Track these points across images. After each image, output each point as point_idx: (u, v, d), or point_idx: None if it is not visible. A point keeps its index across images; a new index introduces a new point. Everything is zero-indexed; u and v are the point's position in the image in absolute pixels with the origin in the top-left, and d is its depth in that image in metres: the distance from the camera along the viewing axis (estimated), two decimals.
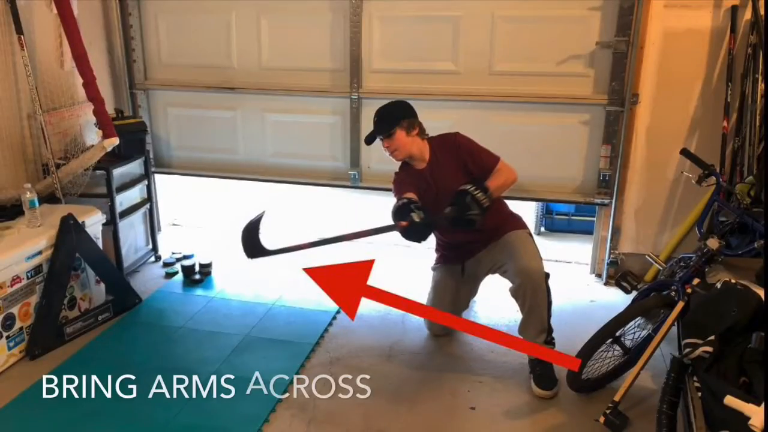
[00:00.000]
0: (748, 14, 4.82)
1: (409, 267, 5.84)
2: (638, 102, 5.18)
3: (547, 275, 4.22)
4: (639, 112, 5.21)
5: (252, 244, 4.08)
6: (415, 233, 4.00)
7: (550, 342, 4.25)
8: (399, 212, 4.00)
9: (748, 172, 4.74)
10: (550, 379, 4.11)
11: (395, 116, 4.34)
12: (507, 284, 4.35)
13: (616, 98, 5.25)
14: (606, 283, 5.66)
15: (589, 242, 6.06)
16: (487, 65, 5.48)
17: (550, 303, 4.22)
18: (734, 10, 4.83)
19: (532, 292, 4.14)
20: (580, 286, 5.65)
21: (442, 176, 4.38)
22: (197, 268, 5.77)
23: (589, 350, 3.88)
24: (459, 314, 4.81)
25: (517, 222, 4.53)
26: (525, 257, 4.20)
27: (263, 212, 4.15)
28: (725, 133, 4.94)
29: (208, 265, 5.83)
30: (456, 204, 3.96)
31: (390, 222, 4.01)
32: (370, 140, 4.46)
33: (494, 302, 5.17)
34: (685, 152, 4.59)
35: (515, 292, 4.25)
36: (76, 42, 5.15)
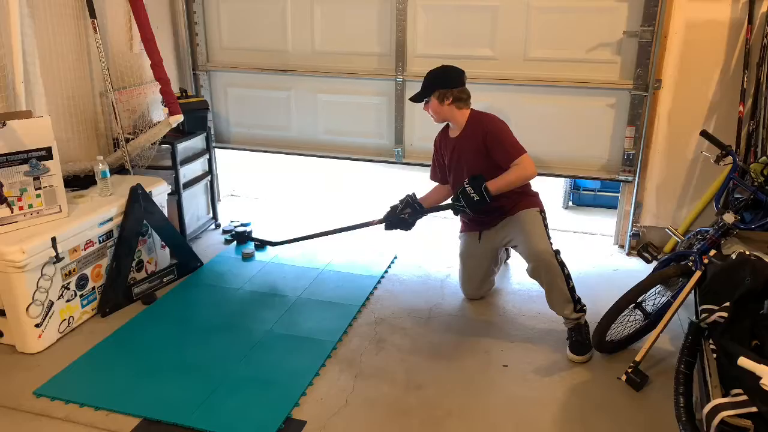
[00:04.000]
0: (764, 7, 4.79)
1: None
2: (661, 87, 5.17)
3: (557, 252, 4.18)
4: (661, 96, 5.21)
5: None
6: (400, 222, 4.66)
7: (580, 310, 4.20)
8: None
9: (762, 152, 4.74)
10: (584, 345, 4.11)
11: (432, 85, 4.44)
12: None
13: (641, 83, 5.24)
14: (628, 254, 5.66)
15: (613, 216, 6.07)
16: (522, 52, 5.48)
17: (567, 275, 4.16)
18: (751, 2, 4.79)
19: (546, 272, 4.15)
20: (604, 256, 5.64)
21: (464, 151, 4.46)
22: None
23: (613, 314, 3.90)
24: (485, 278, 4.85)
25: (531, 201, 4.52)
26: (532, 240, 4.22)
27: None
28: (741, 117, 4.92)
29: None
30: (455, 198, 4.36)
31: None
32: (413, 100, 4.61)
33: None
34: (704, 134, 4.65)
35: (531, 274, 4.27)
36: (144, 26, 5.20)
